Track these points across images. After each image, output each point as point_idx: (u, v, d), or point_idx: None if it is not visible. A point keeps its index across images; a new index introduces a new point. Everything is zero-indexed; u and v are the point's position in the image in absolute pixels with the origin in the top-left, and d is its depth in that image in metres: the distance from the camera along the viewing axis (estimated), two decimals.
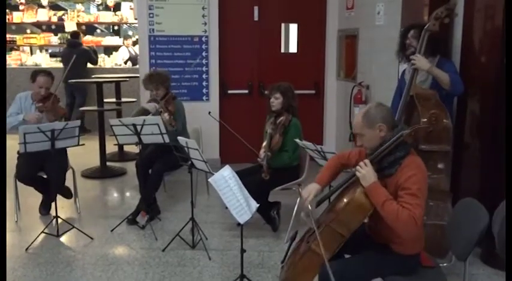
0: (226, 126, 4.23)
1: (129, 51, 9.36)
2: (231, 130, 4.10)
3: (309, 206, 2.56)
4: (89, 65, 8.65)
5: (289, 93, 4.15)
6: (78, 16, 9.85)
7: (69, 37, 9.04)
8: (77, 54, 8.29)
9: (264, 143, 4.10)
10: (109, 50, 10.08)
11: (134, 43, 9.52)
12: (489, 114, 3.60)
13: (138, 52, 9.46)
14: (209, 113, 4.37)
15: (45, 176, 4.42)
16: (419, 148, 3.34)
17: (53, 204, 4.25)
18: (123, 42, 9.46)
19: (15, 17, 9.72)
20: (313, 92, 6.42)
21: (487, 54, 3.62)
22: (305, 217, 2.58)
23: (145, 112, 4.61)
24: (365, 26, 5.37)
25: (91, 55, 8.67)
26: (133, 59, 9.29)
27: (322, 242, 2.36)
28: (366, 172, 2.39)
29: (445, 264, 2.79)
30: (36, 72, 4.44)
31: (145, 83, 4.63)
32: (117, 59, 9.37)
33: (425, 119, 3.33)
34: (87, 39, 9.60)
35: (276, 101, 4.13)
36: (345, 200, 2.45)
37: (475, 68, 3.70)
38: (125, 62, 9.30)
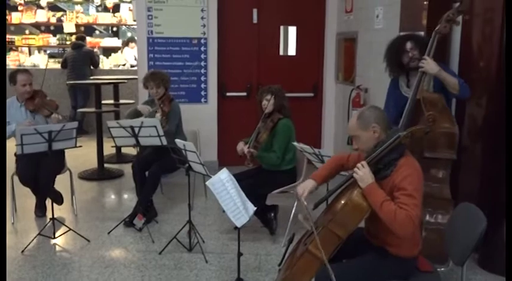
0: None
1: (134, 55, 9.36)
2: None
3: (305, 202, 2.58)
4: None
5: (280, 94, 4.14)
6: (77, 17, 9.86)
7: (73, 39, 9.05)
8: (80, 55, 8.34)
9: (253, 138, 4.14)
10: (108, 51, 10.07)
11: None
12: (488, 119, 3.60)
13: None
14: None
15: None
16: (424, 155, 3.31)
17: (49, 205, 4.23)
18: (128, 45, 9.44)
19: (14, 17, 9.72)
20: (311, 94, 6.41)
21: (485, 58, 3.62)
22: (302, 219, 2.58)
23: (138, 114, 4.69)
24: (364, 29, 5.37)
25: (94, 56, 8.67)
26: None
27: (320, 244, 2.38)
28: (363, 174, 2.40)
29: (442, 269, 2.78)
30: (14, 73, 4.40)
31: (147, 80, 4.64)
32: (128, 60, 9.33)
33: (421, 126, 3.28)
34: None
35: (268, 103, 4.12)
36: (343, 201, 2.45)
37: (473, 72, 3.69)
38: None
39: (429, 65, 3.36)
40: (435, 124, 3.28)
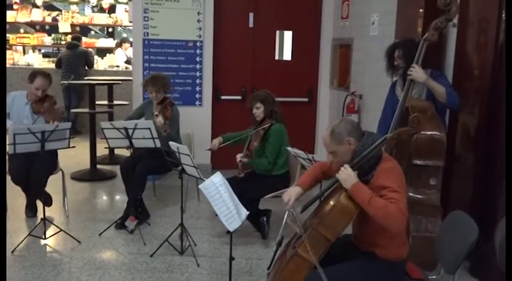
0: None
1: (126, 55, 9.34)
2: None
3: (292, 210, 2.60)
4: None
5: (269, 99, 4.15)
6: (72, 17, 9.83)
7: (69, 39, 9.02)
8: (75, 55, 8.32)
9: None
10: (102, 52, 10.05)
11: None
12: (481, 127, 3.62)
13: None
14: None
15: None
16: (412, 162, 3.33)
17: (40, 206, 4.21)
18: (121, 45, 9.43)
19: (9, 16, 9.66)
20: (306, 99, 6.42)
21: (480, 67, 3.64)
22: (290, 222, 2.59)
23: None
24: (359, 36, 5.39)
25: (89, 57, 8.65)
26: (130, 62, 9.25)
27: (309, 246, 2.40)
28: (346, 175, 2.43)
29: (433, 277, 2.79)
30: (35, 74, 4.38)
31: (147, 84, 4.63)
32: (117, 62, 9.32)
33: (406, 128, 3.31)
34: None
35: (258, 111, 4.14)
36: (331, 203, 2.48)
37: (467, 80, 3.72)
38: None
39: (417, 73, 3.41)
40: (420, 126, 3.32)
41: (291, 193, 2.68)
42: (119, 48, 9.39)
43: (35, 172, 4.25)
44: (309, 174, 2.85)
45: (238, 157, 4.04)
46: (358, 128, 2.59)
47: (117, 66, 9.23)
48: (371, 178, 2.46)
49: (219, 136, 4.41)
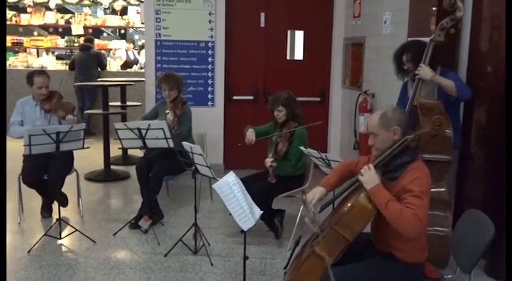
0: None
1: (128, 55, 9.40)
2: None
3: (313, 209, 2.58)
4: None
5: (291, 102, 4.14)
6: (85, 19, 9.93)
7: (82, 41, 9.11)
8: (88, 57, 8.40)
9: (271, 150, 4.10)
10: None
11: (141, 47, 9.60)
12: (495, 125, 3.58)
13: (137, 56, 9.64)
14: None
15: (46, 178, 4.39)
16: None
17: (55, 206, 4.24)
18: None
19: (23, 19, 9.79)
20: (318, 99, 6.41)
21: (493, 65, 3.61)
22: (309, 222, 2.58)
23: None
24: (371, 35, 5.37)
25: (102, 58, 8.72)
26: (129, 63, 9.31)
27: (326, 246, 2.41)
28: (369, 176, 2.41)
29: (449, 276, 2.77)
30: (31, 74, 4.43)
31: (161, 81, 4.66)
32: (122, 55, 9.44)
33: (428, 129, 3.29)
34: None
35: (281, 114, 4.13)
36: (349, 203, 2.47)
37: (481, 78, 3.69)
38: (122, 67, 9.32)
39: (424, 71, 3.49)
40: (441, 127, 3.31)
41: (315, 192, 2.68)
42: (122, 49, 9.51)
43: (51, 173, 4.29)
44: (333, 174, 2.84)
45: (269, 161, 3.94)
46: (408, 125, 2.54)
47: (130, 67, 9.32)
48: (399, 175, 2.43)
49: (248, 129, 4.27)
